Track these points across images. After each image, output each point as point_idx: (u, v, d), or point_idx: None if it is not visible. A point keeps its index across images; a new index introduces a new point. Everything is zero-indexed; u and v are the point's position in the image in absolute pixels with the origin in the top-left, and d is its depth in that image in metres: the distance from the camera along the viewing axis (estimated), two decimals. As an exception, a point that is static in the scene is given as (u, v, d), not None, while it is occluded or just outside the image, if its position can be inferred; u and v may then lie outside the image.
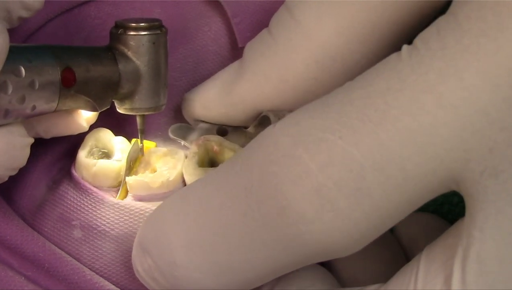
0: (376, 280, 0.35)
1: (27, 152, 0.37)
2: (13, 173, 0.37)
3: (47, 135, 0.40)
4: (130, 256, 0.38)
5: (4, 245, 0.38)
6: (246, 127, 0.43)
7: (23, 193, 0.42)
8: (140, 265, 0.35)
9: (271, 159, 0.31)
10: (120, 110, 0.40)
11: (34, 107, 0.35)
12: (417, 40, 0.31)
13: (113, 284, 0.38)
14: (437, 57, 0.29)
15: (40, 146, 0.43)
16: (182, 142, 0.43)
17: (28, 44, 0.36)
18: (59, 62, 0.36)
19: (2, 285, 0.37)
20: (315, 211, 0.30)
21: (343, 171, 0.29)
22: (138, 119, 0.41)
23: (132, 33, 0.38)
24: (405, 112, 0.29)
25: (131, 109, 0.40)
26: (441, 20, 0.31)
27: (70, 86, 0.36)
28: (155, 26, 0.39)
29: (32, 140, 0.37)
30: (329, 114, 0.30)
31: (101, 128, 0.42)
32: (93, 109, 0.38)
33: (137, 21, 0.39)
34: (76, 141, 0.44)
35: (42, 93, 0.35)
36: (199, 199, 0.33)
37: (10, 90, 0.34)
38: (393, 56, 0.31)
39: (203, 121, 0.43)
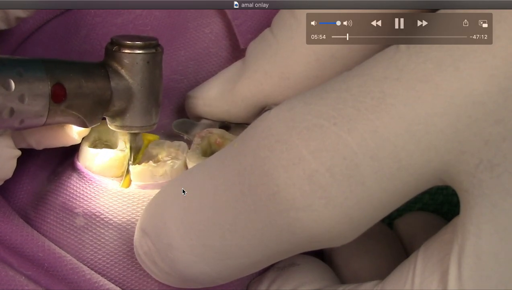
0: (376, 277, 0.35)
1: (13, 164, 0.36)
2: None
3: (39, 147, 0.40)
4: (132, 244, 0.38)
5: (4, 244, 0.38)
6: (248, 124, 0.43)
7: (24, 188, 0.42)
8: (141, 248, 0.35)
9: (264, 144, 0.30)
10: (111, 127, 0.40)
11: (22, 121, 0.35)
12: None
13: (115, 274, 0.38)
14: (434, 47, 0.29)
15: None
16: (185, 136, 0.43)
17: (20, 57, 0.35)
18: (50, 77, 0.35)
19: (2, 285, 0.37)
20: (306, 198, 0.29)
21: (336, 157, 0.29)
22: (129, 136, 0.40)
23: (126, 51, 0.38)
24: (401, 101, 0.29)
25: (122, 127, 0.39)
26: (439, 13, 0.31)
27: (60, 102, 0.35)
28: (151, 45, 0.38)
29: (19, 153, 0.37)
30: (325, 100, 0.30)
31: (104, 121, 0.42)
32: (83, 125, 0.38)
33: (133, 38, 0.38)
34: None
35: (31, 107, 0.34)
36: (195, 183, 0.33)
37: None
38: (392, 46, 0.31)
39: (206, 118, 0.43)
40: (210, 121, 0.43)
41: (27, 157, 0.43)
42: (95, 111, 0.37)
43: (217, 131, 0.42)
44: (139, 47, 0.38)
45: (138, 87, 0.38)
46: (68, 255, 0.38)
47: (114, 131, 0.41)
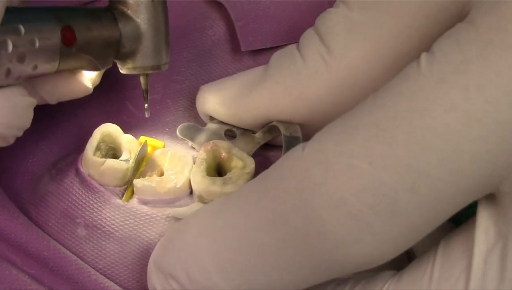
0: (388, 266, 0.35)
1: (30, 113, 0.37)
2: (19, 133, 0.36)
3: (52, 99, 0.40)
4: (134, 258, 0.38)
5: (8, 242, 0.38)
6: (254, 132, 0.43)
7: (24, 179, 0.42)
8: (161, 286, 0.35)
9: (303, 187, 0.31)
10: (123, 70, 0.41)
11: (35, 67, 0.35)
12: (436, 51, 0.30)
13: (117, 285, 0.38)
14: (459, 73, 0.29)
15: (41, 136, 0.43)
16: (190, 143, 0.43)
17: (27, 6, 0.36)
18: (58, 22, 0.36)
19: (5, 284, 0.36)
20: (353, 236, 0.30)
21: (376, 196, 0.30)
22: (141, 80, 0.41)
23: None
24: (431, 132, 0.29)
25: (134, 68, 0.40)
26: (460, 28, 0.30)
27: (71, 45, 0.36)
28: None
29: (35, 101, 0.37)
30: (355, 139, 0.30)
31: (109, 123, 0.42)
32: (95, 68, 0.38)
33: None
34: (79, 133, 0.44)
35: (43, 51, 0.35)
36: (229, 224, 0.33)
37: (10, 48, 0.34)
38: (413, 68, 0.31)
39: (212, 118, 0.43)
40: (216, 125, 0.43)
41: (29, 148, 0.42)
42: (106, 53, 0.38)
43: (223, 144, 0.41)
44: None
45: (146, 26, 0.39)
46: (73, 255, 0.38)
47: (119, 135, 0.41)
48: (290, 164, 0.32)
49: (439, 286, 0.32)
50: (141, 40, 0.39)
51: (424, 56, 0.31)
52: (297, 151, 0.32)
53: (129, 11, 0.39)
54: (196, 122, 0.44)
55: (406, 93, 0.30)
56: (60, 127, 0.44)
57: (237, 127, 0.43)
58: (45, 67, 0.36)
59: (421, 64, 0.30)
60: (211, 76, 0.46)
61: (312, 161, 0.31)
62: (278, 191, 0.31)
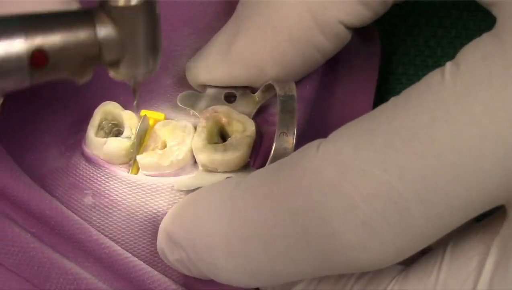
0: None
1: None
2: None
3: None
4: (141, 225, 0.39)
5: (9, 201, 0.38)
6: (253, 92, 0.43)
7: (34, 155, 0.42)
8: (171, 254, 0.36)
9: (316, 187, 0.31)
10: (110, 74, 0.37)
11: (4, 88, 0.33)
12: (461, 62, 0.30)
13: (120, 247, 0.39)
14: (483, 87, 0.29)
15: (52, 112, 0.43)
16: (191, 112, 0.43)
17: None
18: (29, 43, 0.32)
19: (8, 241, 0.37)
20: (361, 240, 0.30)
21: (388, 203, 0.30)
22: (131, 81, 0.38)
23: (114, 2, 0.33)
24: (450, 146, 0.29)
25: (117, 75, 0.35)
26: (486, 41, 0.30)
27: (42, 66, 0.33)
28: None
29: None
30: (374, 145, 0.30)
31: (109, 101, 0.42)
32: (74, 82, 0.35)
33: None
34: (87, 109, 0.44)
35: (10, 75, 0.32)
36: (238, 212, 0.33)
37: None
38: (437, 77, 0.31)
39: (209, 86, 0.43)
40: (215, 90, 0.43)
41: (41, 125, 0.43)
42: (83, 68, 0.34)
43: (222, 109, 0.41)
44: None
45: (130, 36, 0.34)
46: (75, 215, 0.39)
47: (120, 112, 0.41)
48: (304, 163, 0.32)
49: (446, 287, 0.32)
50: (123, 51, 0.34)
51: (449, 66, 0.31)
52: (312, 149, 0.32)
53: (111, 18, 0.33)
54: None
55: (427, 104, 0.30)
56: (70, 102, 0.44)
57: (236, 89, 0.43)
58: (13, 87, 0.33)
59: (445, 74, 0.30)
60: None
61: (327, 162, 0.31)
62: (290, 188, 0.32)
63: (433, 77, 0.31)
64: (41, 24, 0.33)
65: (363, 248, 0.31)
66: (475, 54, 0.30)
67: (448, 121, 0.29)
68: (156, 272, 0.38)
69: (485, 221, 0.33)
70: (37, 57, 0.32)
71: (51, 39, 0.32)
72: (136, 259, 0.38)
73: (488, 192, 0.30)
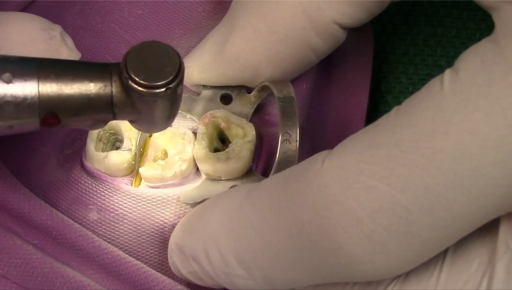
0: None
1: None
2: None
3: None
4: (149, 237, 0.39)
5: (10, 213, 0.38)
6: (249, 92, 0.42)
7: (32, 166, 0.42)
8: (184, 267, 0.37)
9: (322, 203, 0.31)
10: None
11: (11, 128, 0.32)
12: (461, 69, 0.30)
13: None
14: (482, 95, 0.29)
15: None
16: (188, 116, 0.42)
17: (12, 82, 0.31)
18: (42, 108, 0.31)
19: (10, 254, 0.36)
20: (367, 254, 0.31)
21: (392, 217, 0.30)
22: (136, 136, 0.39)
23: (137, 87, 0.31)
24: (451, 156, 0.29)
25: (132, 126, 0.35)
26: (485, 47, 0.30)
27: (52, 126, 0.32)
28: (164, 84, 0.31)
29: None
30: (376, 158, 0.31)
31: None
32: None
33: (148, 76, 0.31)
34: None
35: (20, 131, 0.32)
36: (249, 223, 0.34)
37: None
38: (437, 86, 0.31)
39: (204, 86, 0.42)
40: (210, 91, 0.42)
41: (38, 135, 0.43)
42: (95, 126, 0.34)
43: (221, 113, 0.41)
44: (151, 87, 0.31)
45: (145, 116, 0.32)
46: (76, 224, 0.39)
47: (117, 122, 0.41)
48: (310, 177, 0.32)
49: (446, 288, 0.32)
50: (139, 116, 0.33)
51: (448, 73, 0.31)
52: (317, 163, 0.32)
53: (129, 100, 0.31)
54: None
55: (428, 114, 0.30)
56: None
57: (232, 89, 0.42)
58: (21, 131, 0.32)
59: (444, 82, 0.30)
60: None
61: (332, 177, 0.31)
62: (296, 202, 0.32)
63: (433, 85, 0.31)
64: (58, 93, 0.32)
65: (369, 262, 0.31)
66: (474, 60, 0.30)
67: (448, 131, 0.29)
68: (160, 274, 0.38)
69: (489, 225, 0.33)
70: (49, 119, 0.32)
71: (65, 105, 0.31)
72: (140, 262, 0.38)
73: (492, 201, 0.30)
